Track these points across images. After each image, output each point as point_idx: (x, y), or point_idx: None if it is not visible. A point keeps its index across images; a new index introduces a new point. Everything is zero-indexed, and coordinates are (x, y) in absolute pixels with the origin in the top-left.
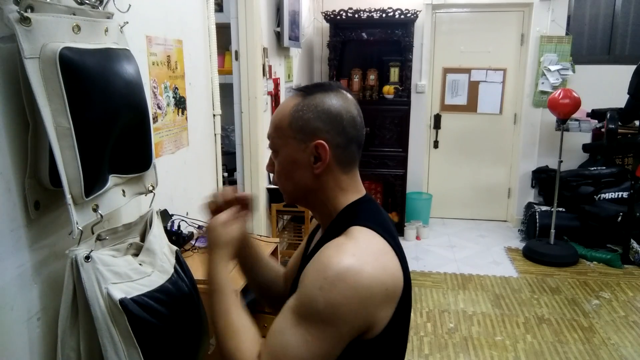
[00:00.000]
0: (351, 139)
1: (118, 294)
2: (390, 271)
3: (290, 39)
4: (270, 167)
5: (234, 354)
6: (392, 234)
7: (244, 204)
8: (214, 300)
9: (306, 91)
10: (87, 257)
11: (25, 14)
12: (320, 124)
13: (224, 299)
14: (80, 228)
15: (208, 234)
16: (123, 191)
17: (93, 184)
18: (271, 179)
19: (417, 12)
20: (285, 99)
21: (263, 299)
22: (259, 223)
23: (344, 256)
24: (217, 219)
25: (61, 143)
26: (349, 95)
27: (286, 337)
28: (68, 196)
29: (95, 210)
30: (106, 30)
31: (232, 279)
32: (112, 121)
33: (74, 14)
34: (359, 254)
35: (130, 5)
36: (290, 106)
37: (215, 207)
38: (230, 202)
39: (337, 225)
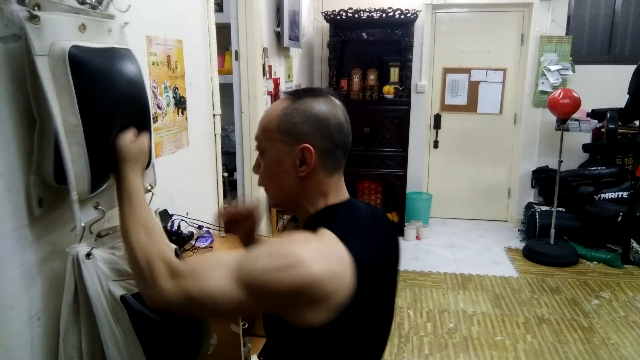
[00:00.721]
0: (337, 144)
1: (119, 291)
2: (338, 278)
3: (290, 39)
4: (256, 169)
5: (156, 252)
6: (366, 239)
7: (250, 215)
8: (123, 205)
9: (296, 95)
10: (89, 255)
11: (34, 12)
12: (307, 128)
13: (134, 203)
14: (83, 224)
15: (118, 149)
16: None
17: (98, 180)
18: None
19: (417, 12)
20: (274, 102)
21: None
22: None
23: (302, 246)
24: (122, 137)
25: (69, 140)
26: (337, 102)
27: (213, 271)
28: (74, 192)
29: (96, 207)
30: (109, 30)
31: (142, 188)
32: (116, 119)
33: (77, 14)
34: (314, 250)
35: (130, 6)
36: (279, 109)
37: (228, 218)
38: (241, 212)
39: (311, 224)
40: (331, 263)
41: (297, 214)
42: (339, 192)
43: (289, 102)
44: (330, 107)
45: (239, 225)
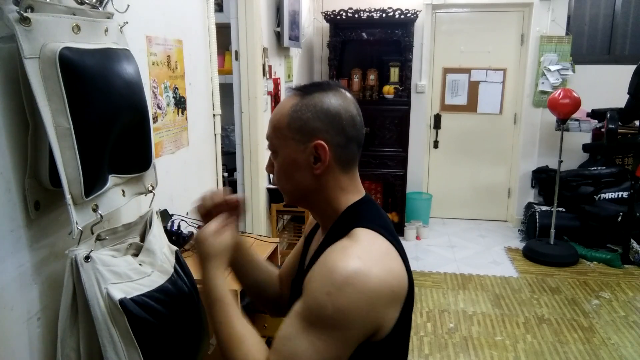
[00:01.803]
0: (351, 138)
1: (118, 294)
2: (395, 273)
3: (290, 39)
4: (270, 168)
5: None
6: (394, 235)
7: (234, 207)
8: (215, 311)
9: (304, 91)
10: (87, 257)
11: (25, 14)
12: (319, 123)
13: (225, 308)
14: (80, 228)
15: (200, 246)
16: (123, 191)
17: (93, 184)
18: (271, 180)
19: (417, 12)
20: (283, 99)
21: (257, 301)
22: (259, 223)
23: (350, 259)
24: (207, 228)
25: (61, 143)
26: (347, 94)
27: (295, 343)
28: (68, 196)
29: (95, 210)
30: (106, 30)
31: (229, 287)
32: (112, 121)
33: (74, 14)
34: (364, 257)
35: (129, 6)
36: (288, 106)
37: (205, 211)
38: (220, 205)
39: (339, 226)
40: (384, 261)
41: (316, 211)
42: (357, 187)
43: (298, 98)
44: (341, 101)
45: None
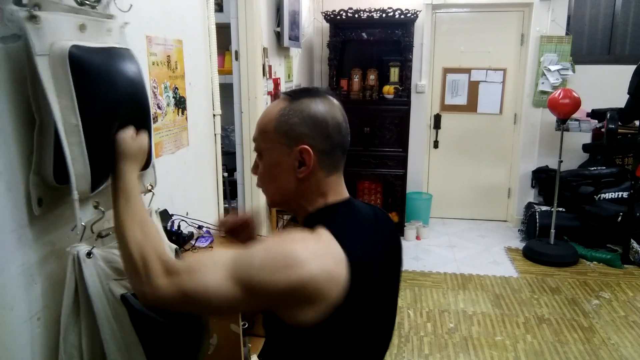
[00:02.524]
0: (336, 144)
1: (120, 290)
2: (332, 276)
3: (290, 39)
4: (255, 170)
5: (154, 252)
6: (364, 238)
7: (249, 222)
8: (121, 203)
9: (293, 96)
10: (89, 254)
11: (34, 12)
12: (305, 129)
13: (135, 201)
14: (83, 224)
15: (117, 146)
16: None
17: (98, 180)
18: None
19: (417, 12)
20: (271, 103)
21: None
22: (259, 223)
23: (299, 246)
24: (123, 132)
25: (70, 139)
26: (335, 101)
27: (209, 269)
28: (75, 192)
29: (96, 207)
30: (108, 30)
31: (139, 185)
32: (116, 118)
33: (77, 14)
34: (310, 250)
35: (130, 5)
36: (276, 110)
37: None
38: (235, 226)
39: (309, 222)
40: (327, 262)
41: (297, 213)
42: (338, 191)
43: (286, 102)
44: (328, 107)
45: (238, 233)
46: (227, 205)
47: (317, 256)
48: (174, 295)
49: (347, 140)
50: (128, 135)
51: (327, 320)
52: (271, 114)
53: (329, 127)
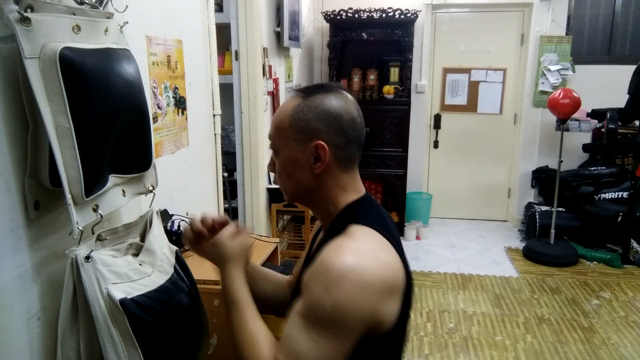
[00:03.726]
0: (351, 139)
1: (118, 294)
2: (390, 266)
3: (290, 39)
4: (272, 167)
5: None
6: (392, 232)
7: (222, 227)
8: (233, 313)
9: (306, 92)
10: (87, 257)
11: (25, 14)
12: (320, 124)
13: (242, 310)
14: (80, 228)
15: (217, 249)
16: (123, 191)
17: (93, 184)
18: (272, 179)
19: (417, 12)
20: (286, 100)
21: (264, 308)
22: (259, 223)
23: (345, 255)
24: (222, 233)
25: (61, 143)
26: (349, 96)
27: (298, 341)
28: (68, 196)
29: (95, 210)
30: (106, 30)
31: (247, 289)
32: (112, 121)
33: (74, 14)
34: (358, 252)
35: (129, 6)
36: (290, 107)
37: (194, 237)
38: (209, 229)
39: (337, 225)
40: (377, 254)
41: (316, 210)
42: (357, 187)
43: (300, 99)
44: (342, 102)
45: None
46: (227, 205)
47: (366, 254)
48: None
49: (362, 134)
50: (226, 236)
51: (401, 314)
52: (286, 110)
53: (344, 122)
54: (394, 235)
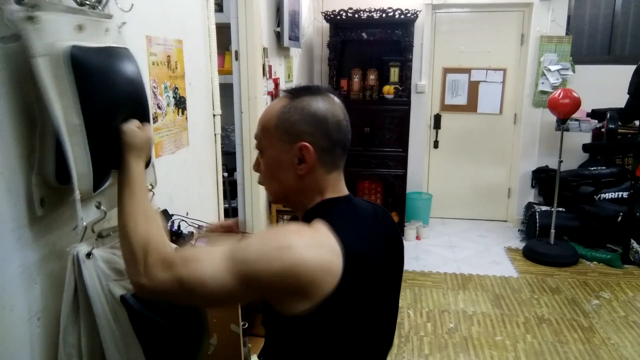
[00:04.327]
0: (336, 142)
1: (119, 290)
2: (325, 268)
3: (290, 39)
4: (257, 167)
5: (150, 239)
6: (361, 234)
7: (230, 229)
8: (128, 194)
9: (294, 93)
10: (89, 254)
11: (32, 13)
12: (305, 126)
13: (140, 192)
14: (85, 224)
15: (124, 137)
16: None
17: (100, 179)
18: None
19: (417, 12)
20: (273, 101)
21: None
22: (259, 223)
23: (294, 237)
24: (131, 123)
25: (71, 140)
26: (336, 99)
27: (207, 259)
28: (77, 192)
29: (98, 207)
30: (106, 30)
31: (145, 175)
32: (117, 117)
33: (75, 14)
34: (306, 240)
35: (130, 5)
36: (277, 108)
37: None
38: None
39: (307, 217)
40: (322, 252)
41: (296, 210)
42: (337, 188)
43: (287, 100)
44: (329, 105)
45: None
46: (227, 205)
47: (312, 245)
48: (171, 285)
49: (348, 138)
50: (134, 127)
51: (322, 312)
52: (272, 111)
53: (329, 124)
54: (361, 236)
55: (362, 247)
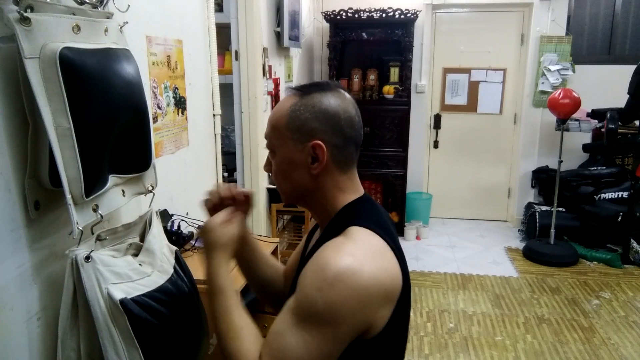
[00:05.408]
0: (349, 139)
1: (118, 294)
2: (389, 271)
3: (290, 39)
4: (268, 167)
5: (236, 355)
6: (391, 234)
7: (243, 201)
8: (216, 301)
9: (303, 91)
10: (87, 257)
11: (25, 14)
12: (317, 124)
13: (226, 300)
14: (80, 228)
15: (206, 235)
16: (123, 191)
17: (93, 184)
18: (269, 179)
19: (417, 12)
20: (282, 99)
21: (263, 297)
22: (259, 223)
23: (343, 256)
24: (214, 219)
25: (61, 143)
26: (347, 95)
27: (286, 338)
28: (68, 196)
29: (95, 210)
30: (106, 30)
31: (232, 279)
32: (112, 121)
33: (74, 14)
34: (357, 254)
35: (130, 5)
36: (287, 106)
37: (213, 205)
38: (228, 200)
39: (335, 225)
40: (376, 259)
41: (314, 211)
42: (355, 187)
43: (297, 98)
44: (340, 101)
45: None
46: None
47: (364, 257)
48: None
49: (361, 134)
50: (216, 223)
51: (394, 315)
52: (282, 110)
53: (342, 121)
54: (393, 237)
55: (397, 244)
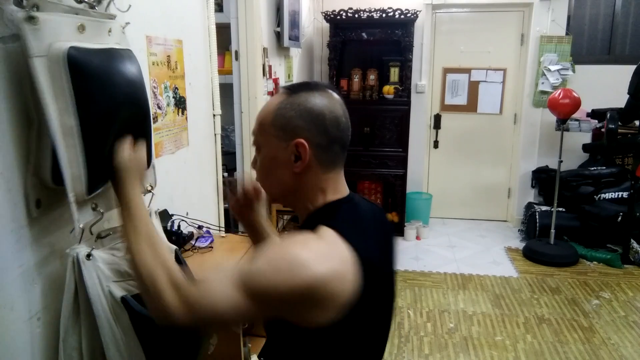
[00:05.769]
0: (334, 139)
1: (120, 291)
2: (342, 278)
3: (290, 39)
4: (254, 164)
5: (160, 274)
6: (369, 237)
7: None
8: (129, 221)
9: (292, 89)
10: (89, 255)
11: (32, 13)
12: (301, 122)
13: (140, 219)
14: (81, 226)
15: (115, 163)
16: None
17: (96, 182)
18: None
19: (417, 12)
20: (271, 97)
21: None
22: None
23: (304, 250)
24: (121, 147)
25: (65, 141)
26: (335, 95)
27: (217, 284)
28: (71, 194)
29: (94, 209)
30: (109, 31)
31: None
32: (115, 121)
33: (77, 14)
34: (318, 253)
35: (130, 5)
36: (274, 104)
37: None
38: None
39: (310, 222)
40: (334, 262)
41: (296, 209)
42: (338, 188)
43: (285, 96)
44: (327, 101)
45: (247, 209)
46: (227, 205)
47: (322, 257)
48: (186, 314)
49: (347, 135)
50: (125, 150)
51: (340, 320)
52: (269, 107)
53: (327, 121)
54: (370, 241)
55: (371, 250)
